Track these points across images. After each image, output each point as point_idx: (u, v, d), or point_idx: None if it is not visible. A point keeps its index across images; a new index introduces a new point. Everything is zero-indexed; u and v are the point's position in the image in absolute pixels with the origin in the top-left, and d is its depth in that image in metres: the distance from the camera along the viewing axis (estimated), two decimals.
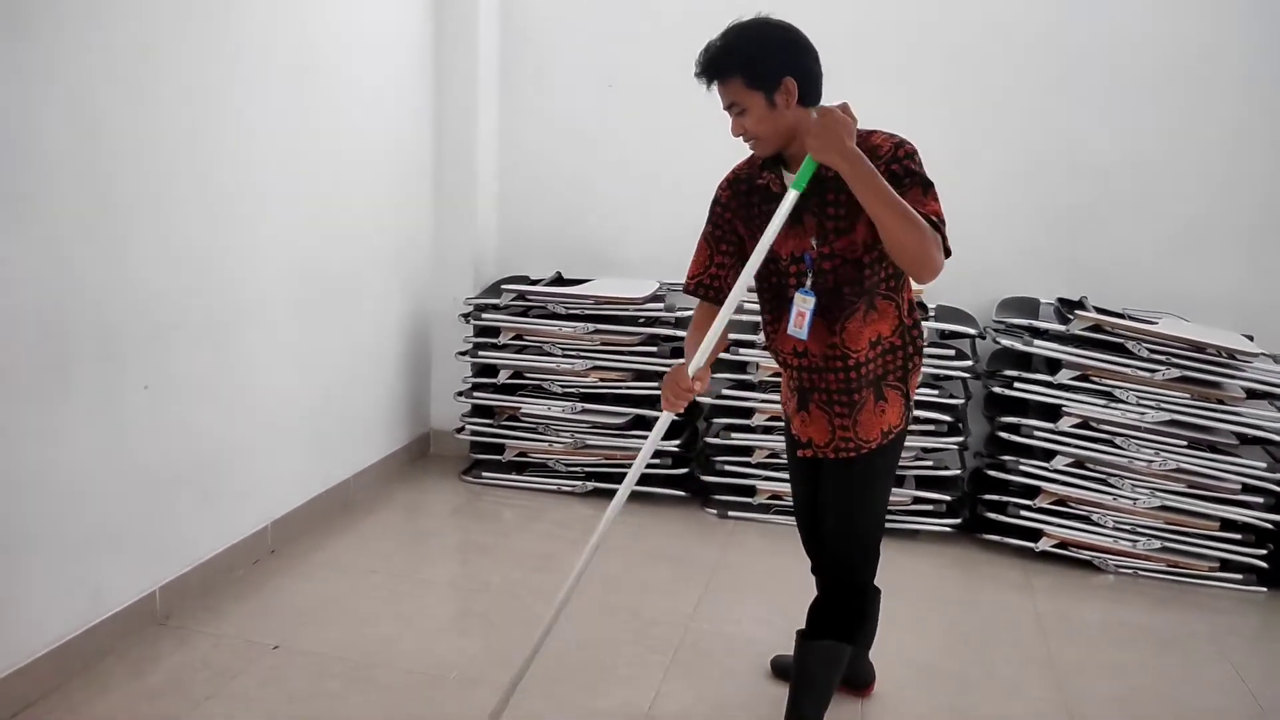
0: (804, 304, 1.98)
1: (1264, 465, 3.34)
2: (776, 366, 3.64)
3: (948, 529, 3.66)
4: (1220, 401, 3.36)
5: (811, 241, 1.97)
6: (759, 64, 1.88)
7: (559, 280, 4.19)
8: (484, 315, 3.99)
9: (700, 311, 2.18)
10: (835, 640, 2.17)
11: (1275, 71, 3.65)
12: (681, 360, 2.09)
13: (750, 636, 2.87)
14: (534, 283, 4.08)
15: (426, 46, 4.06)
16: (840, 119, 1.79)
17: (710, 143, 4.08)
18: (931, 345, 3.57)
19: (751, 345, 3.75)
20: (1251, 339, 3.61)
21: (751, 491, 3.81)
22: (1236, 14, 3.66)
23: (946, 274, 1.95)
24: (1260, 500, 3.37)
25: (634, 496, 3.87)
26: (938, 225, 1.85)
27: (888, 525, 3.53)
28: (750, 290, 2.06)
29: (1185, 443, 3.38)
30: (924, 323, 2.07)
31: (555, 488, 3.98)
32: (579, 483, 3.96)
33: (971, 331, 3.60)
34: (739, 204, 2.09)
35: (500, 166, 4.38)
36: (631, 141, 4.24)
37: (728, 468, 3.81)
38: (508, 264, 4.41)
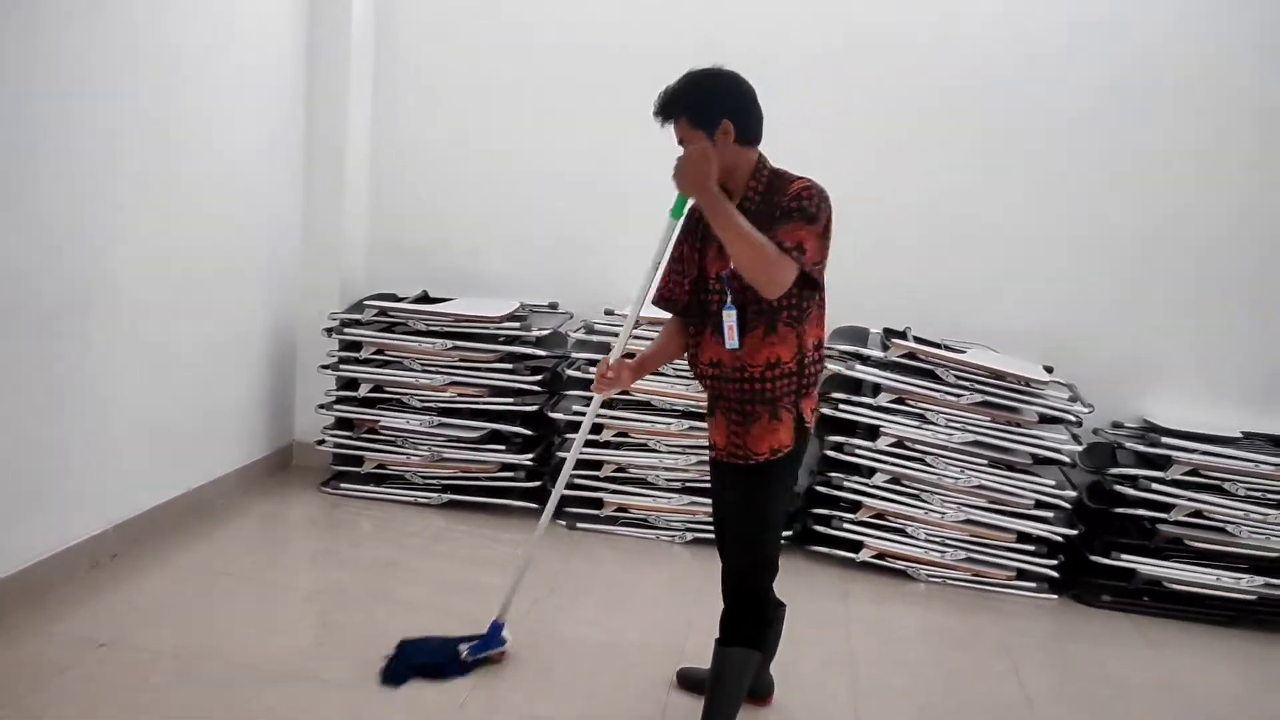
0: (729, 318, 2.26)
1: (1053, 483, 3.71)
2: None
3: (781, 542, 3.91)
4: (1017, 425, 3.72)
5: (730, 265, 2.21)
6: (701, 107, 2.21)
7: (425, 298, 4.34)
8: (347, 330, 4.11)
9: (666, 324, 2.57)
10: (743, 647, 2.35)
11: (1090, 117, 4.06)
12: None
13: (578, 638, 3.05)
14: (400, 300, 4.23)
15: (299, 63, 4.19)
16: (694, 159, 2.13)
17: (573, 168, 4.38)
18: None
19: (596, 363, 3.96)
20: (1051, 370, 4.00)
21: (600, 504, 4.01)
22: (1046, 56, 4.06)
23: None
24: (1051, 515, 3.73)
25: (485, 508, 4.12)
26: (789, 249, 2.09)
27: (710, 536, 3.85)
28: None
29: (986, 462, 3.72)
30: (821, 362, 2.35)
31: (412, 499, 4.11)
32: (435, 494, 4.10)
33: None
34: (689, 229, 2.40)
35: (370, 186, 4.52)
36: (497, 166, 4.44)
37: (577, 481, 4.00)
38: (377, 282, 4.53)
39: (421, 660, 2.74)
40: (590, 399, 2.76)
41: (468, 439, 4.02)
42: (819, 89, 4.14)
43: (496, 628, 2.84)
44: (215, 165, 3.69)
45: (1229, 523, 3.60)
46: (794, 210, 2.16)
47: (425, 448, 4.07)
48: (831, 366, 3.86)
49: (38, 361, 2.89)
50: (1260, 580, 3.58)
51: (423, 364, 4.05)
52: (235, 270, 3.91)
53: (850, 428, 3.86)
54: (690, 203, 2.26)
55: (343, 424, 4.19)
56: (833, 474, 3.85)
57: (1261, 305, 4.02)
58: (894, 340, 3.78)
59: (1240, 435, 3.81)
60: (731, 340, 2.26)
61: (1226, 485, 3.62)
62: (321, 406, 4.19)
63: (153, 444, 3.46)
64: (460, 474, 4.08)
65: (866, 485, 3.79)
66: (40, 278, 2.85)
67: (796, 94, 3.88)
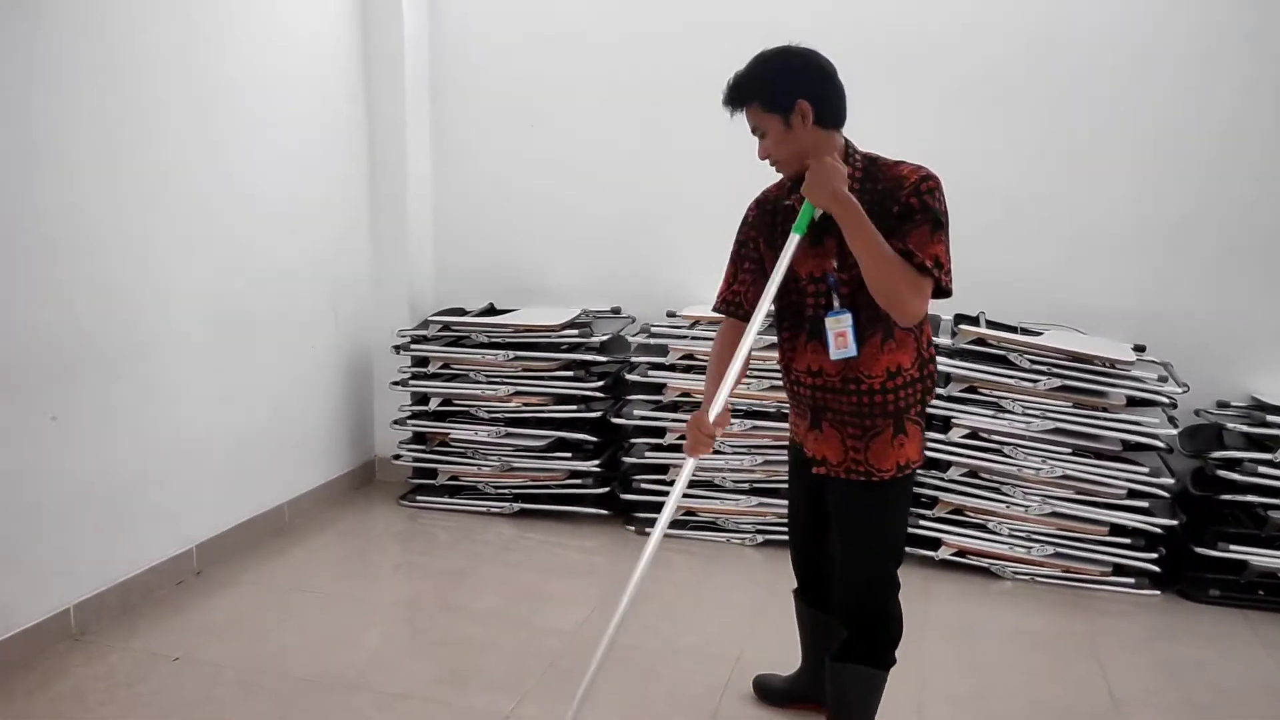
0: (840, 324, 2.03)
1: (1148, 470, 3.45)
2: (684, 388, 3.85)
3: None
4: (1103, 409, 3.47)
5: (833, 263, 2.04)
6: (774, 89, 2.01)
7: (490, 311, 4.40)
8: (414, 347, 4.21)
9: (723, 328, 2.33)
10: (859, 663, 2.19)
11: (1168, 94, 3.78)
12: (700, 405, 2.23)
13: (633, 644, 3.02)
14: (466, 314, 4.30)
15: (356, 92, 4.32)
16: (829, 167, 1.95)
17: (631, 178, 4.36)
18: None
19: (660, 368, 3.93)
20: (1142, 349, 3.73)
21: None
22: (1133, 34, 3.79)
23: None
24: (1147, 504, 3.46)
25: (556, 515, 4.13)
26: (929, 270, 1.93)
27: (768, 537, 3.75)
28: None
29: (1071, 450, 3.49)
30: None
31: (485, 509, 4.16)
32: (507, 504, 4.14)
33: None
34: (764, 224, 2.20)
35: (434, 209, 4.63)
36: (554, 178, 4.46)
37: (644, 486, 3.97)
38: (446, 299, 4.63)
39: None
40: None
41: (534, 447, 4.05)
42: (889, 67, 3.96)
43: None
44: (283, 200, 3.86)
45: None
46: (917, 211, 1.95)
47: (495, 458, 4.12)
48: None
49: (110, 404, 3.06)
50: None
51: (487, 375, 4.10)
52: (305, 299, 4.07)
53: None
54: (816, 214, 2.01)
55: (418, 438, 4.29)
56: None
57: None
58: (962, 326, 3.59)
59: None
60: (844, 349, 2.03)
61: None
62: (395, 422, 4.29)
63: (230, 468, 3.62)
64: (530, 482, 4.11)
65: (942, 479, 3.61)
66: (105, 323, 3.03)
67: (860, 72, 3.75)
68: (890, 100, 3.87)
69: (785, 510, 3.75)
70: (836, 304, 2.04)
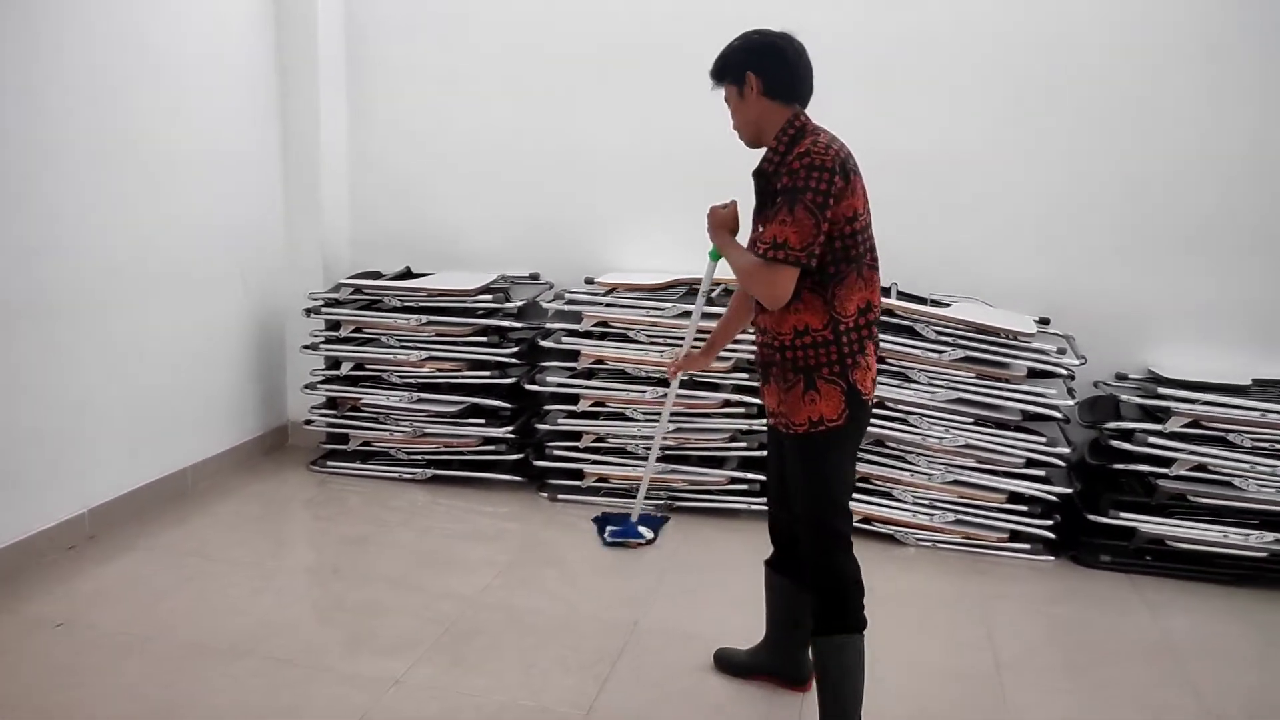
0: None
1: (1045, 440, 3.53)
2: (598, 355, 3.84)
3: (763, 507, 3.81)
4: (1005, 380, 3.54)
5: (759, 227, 2.21)
6: (729, 62, 2.25)
7: (407, 275, 4.34)
8: (325, 310, 4.13)
9: (734, 295, 2.65)
10: (828, 634, 2.24)
11: (1085, 72, 3.81)
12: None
13: (531, 609, 3.02)
14: (382, 277, 4.23)
15: (269, 49, 4.20)
16: (713, 218, 2.37)
17: (545, 143, 4.31)
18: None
19: (575, 334, 3.91)
20: (1047, 322, 3.81)
21: (580, 475, 3.96)
22: (1053, 12, 3.82)
23: None
24: (1044, 473, 3.55)
25: (470, 482, 4.11)
26: (769, 248, 2.08)
27: (710, 505, 3.79)
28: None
29: (973, 420, 3.55)
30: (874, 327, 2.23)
31: (397, 475, 4.12)
32: (419, 470, 4.10)
33: None
34: (756, 190, 2.32)
35: (351, 170, 4.53)
36: (475, 142, 4.39)
37: (558, 453, 3.96)
38: (363, 262, 4.54)
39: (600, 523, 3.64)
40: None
41: (447, 414, 4.01)
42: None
43: (632, 525, 3.55)
44: (187, 157, 3.76)
45: (1235, 476, 3.37)
46: (780, 192, 2.10)
47: (407, 424, 4.07)
48: None
49: (12, 356, 2.97)
50: (1270, 536, 3.35)
51: (400, 340, 4.05)
52: (212, 259, 3.96)
53: None
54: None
55: (331, 403, 4.23)
56: None
57: (1273, 244, 3.73)
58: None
59: (1250, 383, 3.56)
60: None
61: (1231, 436, 3.39)
62: (307, 386, 4.22)
63: (130, 429, 3.53)
64: (443, 449, 4.08)
65: None
66: (7, 281, 2.92)
67: None
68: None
69: (696, 477, 3.81)
70: None
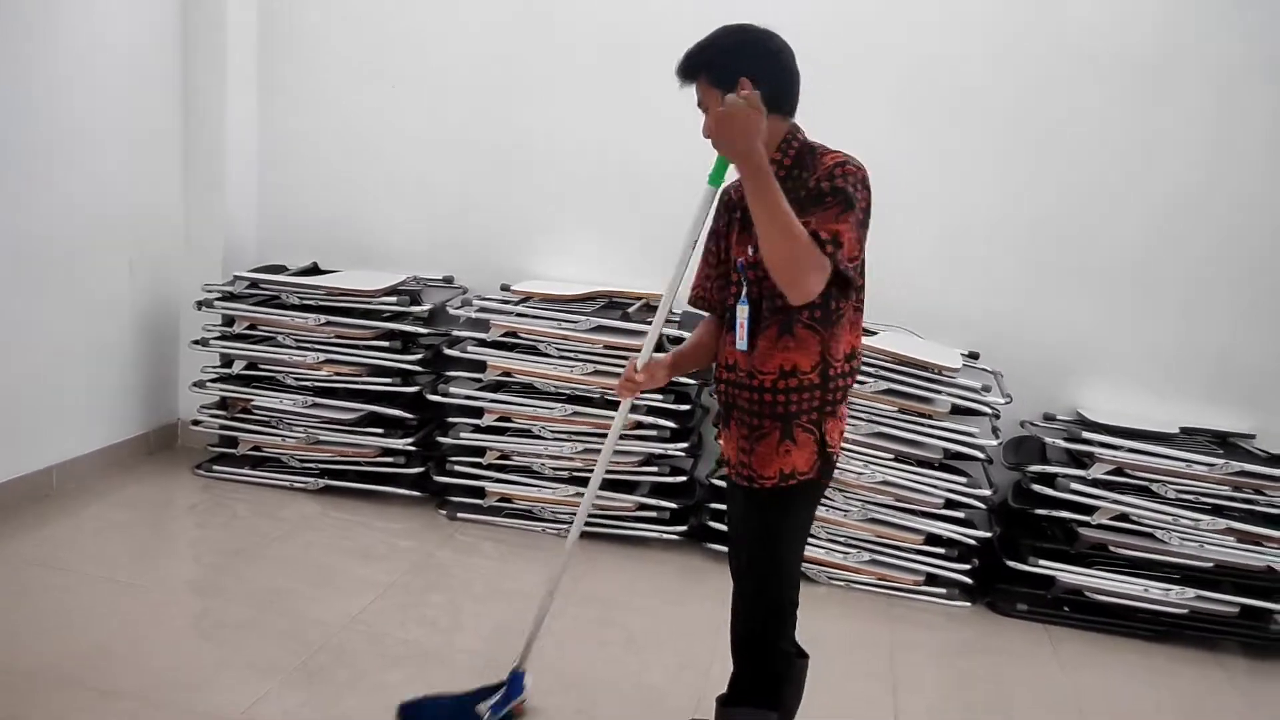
0: (742, 314, 1.94)
1: (966, 480, 3.37)
2: (505, 367, 3.62)
3: (674, 536, 3.62)
4: (927, 416, 3.38)
5: (749, 250, 1.91)
6: (721, 62, 1.87)
7: (313, 271, 4.08)
8: (217, 303, 3.85)
9: (700, 327, 2.18)
10: (748, 708, 2.01)
11: (1031, 100, 3.68)
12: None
13: (406, 639, 2.79)
14: (285, 272, 3.97)
15: (173, 29, 3.93)
16: (737, 114, 1.70)
17: (474, 142, 4.08)
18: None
19: (482, 344, 3.69)
20: (976, 356, 3.66)
21: (482, 493, 3.73)
22: (989, 34, 3.69)
23: None
24: (963, 515, 3.40)
25: (365, 494, 3.84)
26: (825, 243, 1.75)
27: (617, 531, 3.58)
28: None
29: (892, 456, 3.39)
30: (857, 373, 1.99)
31: (288, 484, 3.85)
32: (311, 479, 3.84)
33: None
34: (720, 214, 2.06)
35: (260, 158, 4.26)
36: (398, 136, 4.16)
37: (460, 468, 3.73)
38: (270, 255, 4.27)
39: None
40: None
41: (344, 421, 3.76)
42: None
43: (517, 677, 2.44)
44: (74, 135, 3.51)
45: (1158, 528, 3.24)
46: (827, 193, 1.81)
47: (300, 429, 3.81)
48: None
49: None
50: (1191, 592, 3.22)
51: (296, 340, 3.79)
52: (99, 244, 3.69)
53: None
54: (731, 168, 1.81)
55: (223, 404, 3.95)
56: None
57: (1206, 291, 3.63)
58: None
59: (1178, 431, 3.44)
60: (741, 340, 1.94)
61: (1154, 486, 3.26)
62: (195, 384, 3.94)
63: None
64: (338, 458, 3.82)
65: None
66: None
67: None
68: None
69: (604, 502, 3.60)
70: (744, 293, 1.94)
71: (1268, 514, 3.24)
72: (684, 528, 3.61)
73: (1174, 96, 3.57)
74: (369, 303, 3.75)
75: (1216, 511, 3.23)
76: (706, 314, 2.15)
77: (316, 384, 3.79)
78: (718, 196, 2.01)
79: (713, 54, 1.90)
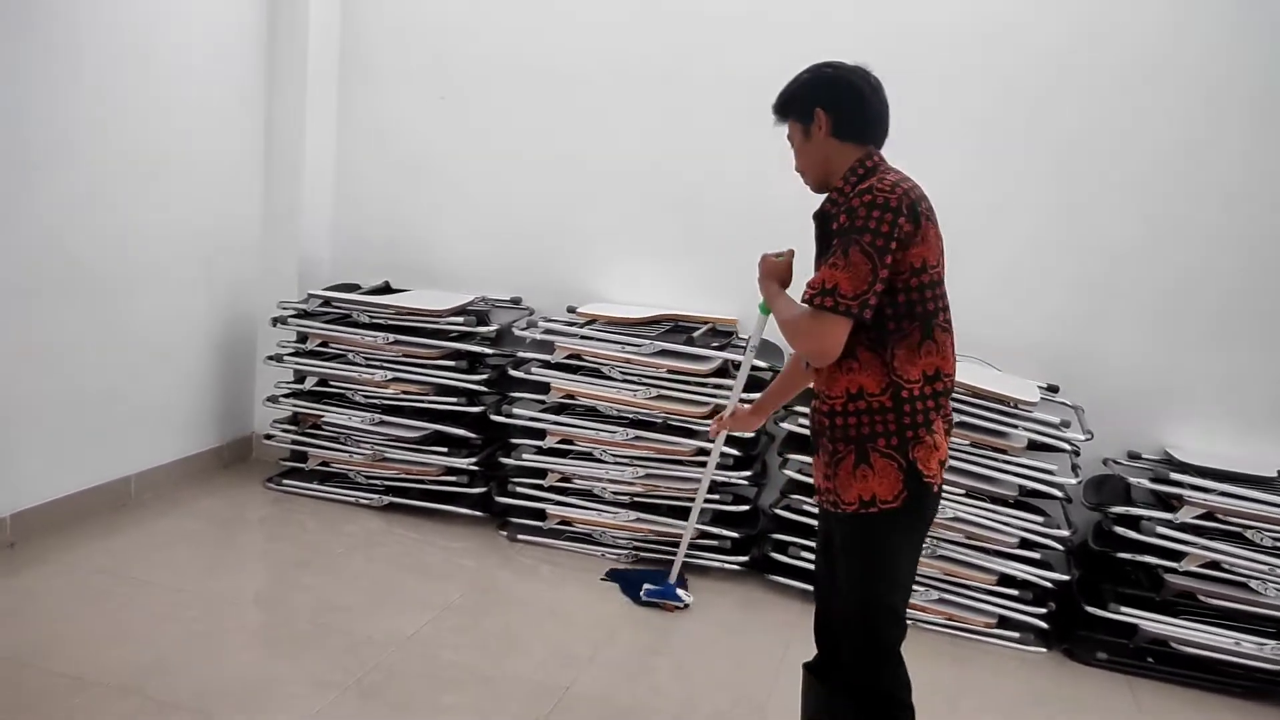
0: None
1: (1043, 519, 3.22)
2: (569, 389, 3.61)
3: (735, 566, 3.55)
4: (1001, 451, 3.25)
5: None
6: (798, 97, 2.01)
7: (385, 290, 4.15)
8: (292, 320, 3.94)
9: (792, 357, 2.31)
10: None
11: (1109, 125, 3.55)
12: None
13: (456, 663, 2.77)
14: (358, 291, 4.04)
15: (258, 49, 4.07)
16: (764, 267, 2.13)
17: (540, 164, 4.11)
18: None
19: (546, 365, 3.68)
20: (1056, 390, 3.51)
21: (543, 515, 3.71)
22: (1072, 59, 3.56)
23: None
24: (1039, 556, 3.24)
25: (427, 512, 3.88)
26: (815, 296, 1.83)
27: (673, 558, 3.52)
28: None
29: (964, 491, 3.26)
30: (947, 398, 1.96)
31: (354, 499, 3.90)
32: (376, 496, 3.88)
33: (764, 364, 3.50)
34: (816, 236, 2.08)
35: (337, 178, 4.37)
36: (468, 158, 4.21)
37: (521, 490, 3.72)
38: (344, 273, 4.36)
39: (622, 581, 3.37)
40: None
41: (409, 439, 3.79)
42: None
43: (670, 586, 3.29)
44: (169, 157, 3.68)
45: (1252, 577, 3.04)
46: (837, 234, 1.85)
47: (367, 446, 3.86)
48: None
49: None
50: None
51: (366, 358, 3.84)
52: (184, 260, 3.83)
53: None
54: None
55: (295, 419, 4.03)
56: (793, 496, 3.44)
57: None
58: None
59: (1277, 474, 3.23)
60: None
61: (1249, 533, 3.06)
62: (269, 399, 4.03)
63: (66, 431, 3.35)
64: (402, 475, 3.86)
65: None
66: None
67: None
68: None
69: (663, 528, 3.54)
70: None
71: None
72: (745, 558, 3.53)
73: (1252, 136, 3.38)
74: (436, 322, 3.79)
75: None
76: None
77: (384, 402, 3.84)
78: (815, 219, 2.05)
79: (793, 88, 2.02)
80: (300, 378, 4.00)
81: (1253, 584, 3.04)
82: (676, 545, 3.54)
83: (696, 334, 3.64)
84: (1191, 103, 3.47)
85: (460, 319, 3.78)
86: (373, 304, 3.83)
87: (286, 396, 3.98)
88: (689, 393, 3.51)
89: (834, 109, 1.94)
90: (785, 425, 3.45)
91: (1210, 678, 3.09)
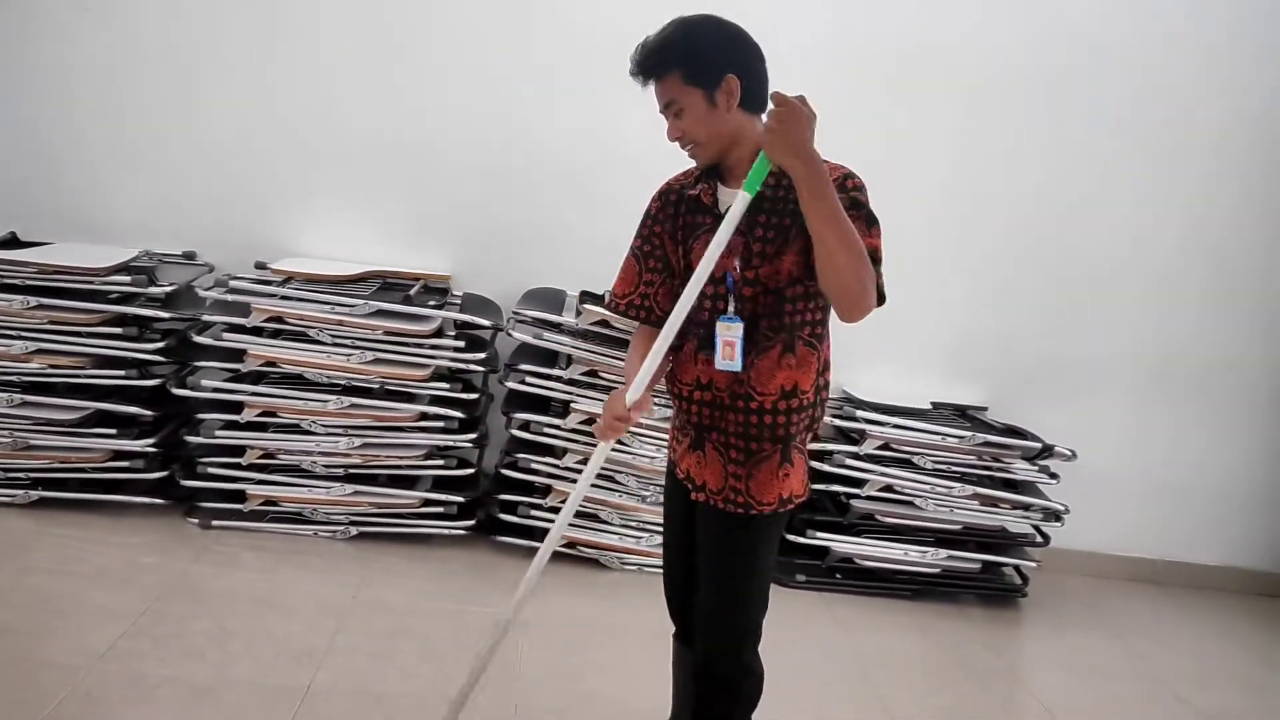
0: (729, 332, 1.76)
1: None
2: (271, 356, 3.25)
3: (461, 531, 3.44)
4: None
5: (735, 262, 1.77)
6: (699, 58, 1.71)
7: (11, 243, 3.43)
8: None
9: (639, 334, 1.96)
10: None
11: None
12: (621, 385, 1.88)
13: (169, 678, 2.41)
14: None
15: None
16: (803, 113, 1.58)
17: (218, 95, 3.61)
18: (451, 336, 3.35)
19: (240, 330, 3.28)
20: None
21: (242, 497, 3.33)
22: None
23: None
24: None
25: (92, 505, 3.31)
26: (876, 261, 1.69)
27: (400, 530, 3.34)
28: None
29: None
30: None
31: None
32: (20, 492, 3.24)
33: (486, 323, 3.40)
34: (667, 216, 1.89)
35: None
36: (127, 84, 3.58)
37: (214, 471, 3.31)
38: None
39: None
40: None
41: (63, 421, 3.20)
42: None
43: None
44: None
45: (917, 496, 3.54)
46: (849, 207, 1.67)
47: (5, 433, 3.19)
48: (518, 336, 3.41)
49: None
50: (944, 553, 3.55)
51: None
52: None
53: (543, 404, 3.43)
54: (767, 174, 1.67)
55: None
56: (520, 455, 3.40)
57: (943, 274, 3.95)
58: (585, 306, 3.36)
59: (930, 405, 3.77)
60: (730, 360, 1.76)
61: (915, 459, 3.55)
62: None
63: None
64: (56, 464, 3.25)
65: (558, 467, 3.39)
66: None
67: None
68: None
69: (385, 499, 3.34)
70: (732, 309, 1.79)
71: (1004, 479, 3.63)
72: (472, 522, 3.44)
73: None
74: (93, 282, 3.21)
75: (964, 479, 3.57)
76: (639, 323, 1.96)
77: (28, 379, 3.19)
78: (662, 195, 1.91)
79: (690, 48, 1.73)
80: None
81: (917, 502, 3.54)
82: (400, 517, 3.37)
83: (412, 292, 3.43)
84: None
85: (127, 277, 3.23)
86: (9, 261, 3.15)
87: None
88: (408, 355, 3.31)
89: (746, 76, 1.73)
90: (509, 384, 3.39)
91: (887, 585, 3.57)
